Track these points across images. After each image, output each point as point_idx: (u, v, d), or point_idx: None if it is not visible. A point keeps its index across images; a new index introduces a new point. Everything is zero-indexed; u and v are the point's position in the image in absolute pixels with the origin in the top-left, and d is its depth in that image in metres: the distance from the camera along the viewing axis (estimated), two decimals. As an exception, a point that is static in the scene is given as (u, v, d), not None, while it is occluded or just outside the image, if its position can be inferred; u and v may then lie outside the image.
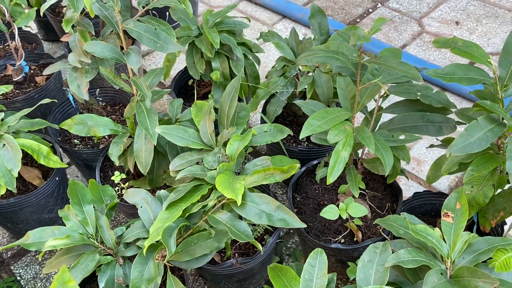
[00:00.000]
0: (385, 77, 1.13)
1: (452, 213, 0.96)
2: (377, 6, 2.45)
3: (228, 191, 0.93)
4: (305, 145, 1.56)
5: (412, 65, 0.98)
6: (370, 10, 2.43)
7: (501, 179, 1.05)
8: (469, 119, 1.08)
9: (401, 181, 1.67)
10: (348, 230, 1.26)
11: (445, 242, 0.92)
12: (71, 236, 0.98)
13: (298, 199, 1.37)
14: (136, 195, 1.08)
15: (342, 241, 1.25)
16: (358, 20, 2.39)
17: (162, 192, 1.10)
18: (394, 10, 2.42)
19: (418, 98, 1.14)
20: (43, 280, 1.51)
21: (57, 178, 1.47)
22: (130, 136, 1.36)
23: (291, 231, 1.59)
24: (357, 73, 1.06)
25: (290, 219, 0.91)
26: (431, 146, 1.23)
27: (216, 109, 1.57)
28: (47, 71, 1.47)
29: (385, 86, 1.16)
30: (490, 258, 0.90)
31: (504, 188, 1.08)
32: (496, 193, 1.06)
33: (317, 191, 1.38)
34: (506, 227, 1.26)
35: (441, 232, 0.95)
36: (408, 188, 1.63)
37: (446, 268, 0.90)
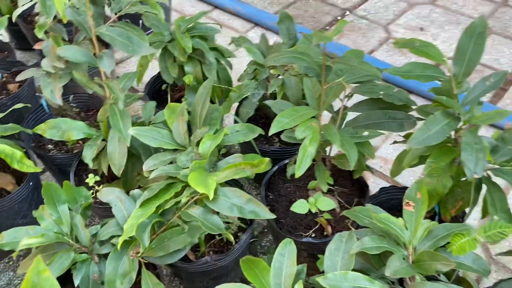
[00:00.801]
0: (348, 77, 1.19)
1: (413, 203, 1.02)
2: (346, 14, 2.54)
3: (201, 187, 0.96)
4: (277, 145, 1.61)
5: (372, 64, 1.04)
6: (339, 18, 2.51)
7: (459, 170, 1.12)
8: (428, 115, 1.15)
9: (370, 179, 1.74)
10: (319, 225, 1.31)
11: (407, 230, 0.98)
12: (45, 235, 1.00)
13: (271, 197, 1.41)
14: (110, 194, 1.10)
15: (313, 235, 1.30)
16: (328, 27, 2.47)
17: (135, 191, 1.13)
18: (362, 17, 2.52)
19: (381, 97, 1.21)
20: (17, 286, 1.50)
21: (31, 183, 1.48)
22: (104, 140, 1.38)
23: (265, 230, 1.62)
24: (322, 74, 1.11)
25: (260, 211, 0.95)
26: (395, 142, 1.29)
27: (190, 112, 1.60)
28: (20, 77, 1.48)
29: (349, 86, 1.23)
30: (449, 242, 0.96)
31: (462, 179, 1.15)
32: (454, 184, 1.13)
33: (289, 189, 1.42)
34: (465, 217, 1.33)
35: (404, 220, 1.00)
36: (377, 186, 1.70)
37: (409, 254, 0.96)
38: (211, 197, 0.94)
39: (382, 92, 1.21)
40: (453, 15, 2.50)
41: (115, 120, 1.26)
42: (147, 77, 2.03)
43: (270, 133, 1.05)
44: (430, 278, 0.96)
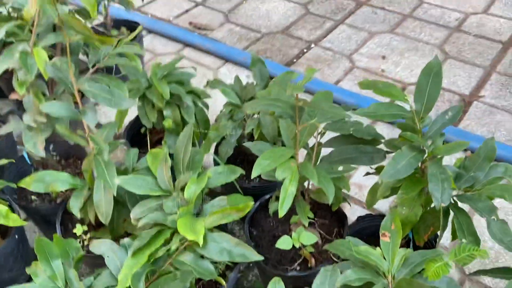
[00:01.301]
0: (320, 117, 1.27)
1: (389, 233, 1.10)
2: (311, 46, 2.67)
3: (190, 234, 1.02)
4: (257, 181, 1.68)
5: (340, 107, 1.13)
6: (305, 50, 2.64)
7: (428, 199, 1.21)
8: (396, 148, 1.24)
9: (346, 207, 1.82)
10: (302, 257, 1.37)
11: (385, 260, 1.05)
12: (41, 292, 1.02)
13: (254, 233, 1.47)
14: (102, 246, 1.13)
15: (298, 268, 1.36)
16: (295, 60, 2.58)
17: (126, 240, 1.16)
18: (327, 49, 2.65)
19: (351, 133, 1.30)
20: None
21: (16, 236, 1.49)
22: (89, 189, 1.42)
23: (251, 264, 1.67)
24: (296, 117, 1.20)
25: (249, 253, 1.01)
26: (367, 173, 1.38)
27: (171, 155, 1.66)
28: (2, 131, 1.50)
29: (322, 125, 1.31)
30: (424, 269, 1.04)
31: (432, 206, 1.24)
32: (425, 212, 1.22)
33: (271, 224, 1.48)
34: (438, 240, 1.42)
35: (382, 250, 1.08)
36: (354, 212, 1.78)
37: (388, 282, 1.03)
38: (201, 244, 0.99)
39: (352, 129, 1.30)
40: (411, 42, 2.66)
41: (100, 170, 1.30)
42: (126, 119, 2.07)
43: (252, 176, 1.12)
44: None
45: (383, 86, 1.19)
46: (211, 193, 1.91)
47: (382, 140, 1.30)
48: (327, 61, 2.55)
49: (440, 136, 1.22)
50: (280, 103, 1.19)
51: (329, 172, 1.27)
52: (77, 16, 1.64)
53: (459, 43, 2.64)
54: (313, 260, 1.36)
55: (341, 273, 1.02)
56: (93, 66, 1.48)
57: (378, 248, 1.10)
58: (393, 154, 1.16)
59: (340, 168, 1.28)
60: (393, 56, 2.57)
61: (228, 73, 2.50)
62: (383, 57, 2.56)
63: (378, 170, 1.32)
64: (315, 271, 1.33)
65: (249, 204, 1.03)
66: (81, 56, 1.72)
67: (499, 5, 2.93)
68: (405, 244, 1.36)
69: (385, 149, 1.28)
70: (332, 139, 1.36)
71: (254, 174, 1.13)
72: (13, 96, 1.89)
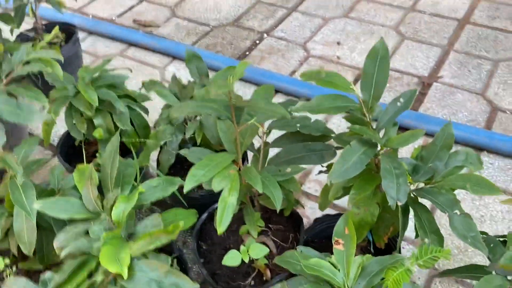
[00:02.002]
0: (261, 115, 1.14)
1: (342, 240, 0.98)
2: (264, 37, 2.53)
3: (113, 265, 0.87)
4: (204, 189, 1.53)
5: (279, 104, 1.00)
6: (257, 42, 2.50)
7: (384, 197, 1.10)
8: (347, 143, 1.12)
9: (307, 205, 1.70)
10: (257, 270, 1.24)
11: (339, 271, 0.93)
12: None
13: (204, 247, 1.33)
14: (15, 285, 0.97)
15: (252, 283, 1.23)
16: (247, 52, 2.44)
17: (47, 275, 1.00)
18: (280, 38, 2.52)
19: (298, 129, 1.17)
20: None
21: None
22: (10, 215, 1.25)
23: (204, 283, 1.53)
24: (233, 116, 1.06)
25: (182, 283, 0.87)
26: (320, 172, 1.26)
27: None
28: None
29: (266, 123, 1.18)
30: (383, 278, 0.92)
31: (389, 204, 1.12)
32: (382, 210, 1.11)
33: (221, 236, 1.35)
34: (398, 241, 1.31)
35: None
36: (314, 212, 1.66)
37: (345, 296, 0.91)
38: (125, 277, 0.85)
39: (298, 125, 1.18)
40: (366, 26, 2.56)
41: (16, 195, 1.14)
42: (61, 129, 1.90)
43: (185, 191, 0.98)
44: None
45: (326, 76, 1.06)
46: (158, 203, 1.75)
47: (332, 135, 1.18)
48: (280, 51, 2.42)
49: (393, 126, 1.10)
50: (213, 103, 1.05)
51: (276, 175, 1.14)
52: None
53: (414, 23, 2.56)
54: (268, 272, 1.23)
55: (291, 292, 0.90)
56: (6, 76, 1.31)
57: (332, 256, 0.98)
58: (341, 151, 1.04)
59: (288, 169, 1.15)
60: (349, 41, 2.46)
61: (176, 71, 2.34)
62: (338, 43, 2.45)
63: (330, 168, 1.20)
64: (271, 284, 1.20)
65: (178, 225, 0.90)
66: None
67: (452, -19, 2.86)
68: (366, 246, 1.25)
69: (335, 145, 1.17)
70: (279, 138, 1.23)
71: (187, 188, 0.99)
72: None
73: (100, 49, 2.54)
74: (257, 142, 1.27)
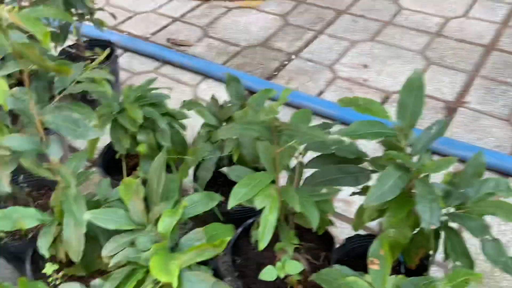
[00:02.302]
0: (300, 138, 1.20)
1: (378, 260, 1.03)
2: (292, 58, 2.61)
3: (163, 275, 0.94)
4: (238, 204, 1.60)
5: (319, 128, 1.07)
6: (286, 63, 2.58)
7: (416, 220, 1.14)
8: (381, 167, 1.18)
9: (336, 223, 1.74)
10: (290, 286, 1.29)
11: (375, 290, 0.98)
12: None
13: (238, 261, 1.39)
14: (69, 290, 1.05)
15: (284, 298, 1.28)
16: (276, 73, 2.52)
17: (97, 282, 1.08)
18: (308, 60, 2.59)
19: (333, 151, 1.23)
20: None
21: (-17, 278, 1.39)
22: (59, 224, 1.33)
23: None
24: (273, 139, 1.13)
25: (226, 293, 0.93)
26: (353, 193, 1.31)
27: (147, 181, 1.58)
28: (-37, 167, 1.41)
29: (302, 145, 1.24)
30: (417, 298, 0.97)
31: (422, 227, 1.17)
32: (414, 233, 1.15)
33: (256, 251, 1.40)
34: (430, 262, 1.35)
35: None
36: (342, 230, 1.71)
37: (380, 315, 0.96)
38: (175, 286, 0.92)
39: (333, 147, 1.24)
40: (393, 49, 2.62)
41: (68, 205, 1.21)
42: (101, 143, 1.99)
43: (229, 207, 1.05)
44: (404, 336, 0.96)
45: (363, 103, 1.13)
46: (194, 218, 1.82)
47: (366, 159, 1.24)
48: (308, 73, 2.50)
49: (426, 152, 1.16)
50: (256, 126, 1.12)
51: (312, 195, 1.20)
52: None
53: (441, 48, 2.61)
54: (300, 288, 1.28)
55: (328, 308, 0.95)
56: (59, 93, 1.40)
57: (367, 275, 1.03)
58: (378, 173, 1.09)
59: (324, 190, 1.21)
60: (375, 64, 2.52)
61: (208, 89, 2.43)
62: (365, 66, 2.52)
63: (365, 190, 1.25)
64: (303, 300, 1.25)
65: (225, 240, 0.96)
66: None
67: (478, 8, 2.91)
68: (396, 267, 1.29)
69: (369, 168, 1.22)
70: (314, 159, 1.29)
71: (230, 205, 1.05)
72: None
73: (136, 66, 2.65)
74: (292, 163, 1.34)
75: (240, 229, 1.44)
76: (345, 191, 1.87)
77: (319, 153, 1.28)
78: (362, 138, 1.10)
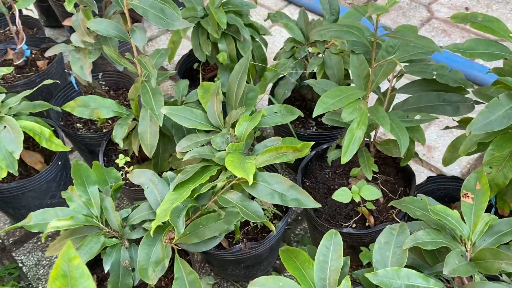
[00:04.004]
0: (400, 54, 1.08)
1: (472, 194, 0.92)
2: (385, -8, 2.40)
3: (239, 171, 0.89)
4: (313, 129, 1.52)
5: (429, 38, 0.94)
6: (378, -4, 2.38)
7: (522, 160, 1.01)
8: (488, 98, 1.04)
9: (412, 167, 1.63)
10: (360, 215, 1.22)
11: (465, 224, 0.88)
12: (75, 217, 0.94)
13: (307, 183, 1.33)
14: (142, 176, 1.04)
15: (354, 226, 1.21)
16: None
17: (169, 173, 1.06)
18: (403, -5, 2.37)
19: (434, 77, 1.10)
20: (46, 267, 1.47)
21: (59, 163, 1.44)
22: (134, 119, 1.32)
23: (299, 217, 1.55)
24: (372, 49, 1.02)
25: (304, 198, 0.87)
26: (447, 127, 1.18)
27: (224, 93, 1.53)
28: (49, 52, 1.43)
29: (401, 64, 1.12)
30: (512, 240, 0.86)
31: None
32: (515, 175, 1.02)
33: (327, 176, 1.34)
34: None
35: (461, 214, 0.91)
36: (419, 175, 1.59)
37: (466, 250, 0.87)
38: (250, 182, 0.87)
39: (435, 72, 1.11)
40: (501, -6, 2.33)
41: (147, 98, 1.19)
42: (177, 55, 1.96)
43: (314, 114, 0.97)
44: (490, 278, 0.87)
45: (483, 20, 0.98)
46: (262, 139, 1.78)
47: (470, 90, 1.10)
48: (402, 9, 2.29)
49: (547, 87, 1.00)
50: (356, 31, 1.01)
51: (403, 120, 1.10)
52: None
53: (559, -3, 2.28)
54: (372, 219, 1.20)
55: (410, 234, 0.87)
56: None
57: (455, 210, 0.93)
58: (483, 106, 0.96)
59: (418, 117, 1.10)
60: (479, 7, 2.26)
61: (290, 16, 2.29)
62: (467, 9, 2.26)
63: (463, 122, 1.12)
64: (373, 230, 1.18)
65: (309, 144, 0.89)
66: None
67: None
68: (486, 210, 1.17)
69: (473, 98, 1.09)
70: (410, 84, 1.17)
71: (316, 113, 0.97)
72: (66, 23, 1.81)
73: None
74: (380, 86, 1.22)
75: (312, 153, 1.37)
76: (428, 136, 1.74)
77: (417, 78, 1.16)
78: (476, 57, 0.96)
